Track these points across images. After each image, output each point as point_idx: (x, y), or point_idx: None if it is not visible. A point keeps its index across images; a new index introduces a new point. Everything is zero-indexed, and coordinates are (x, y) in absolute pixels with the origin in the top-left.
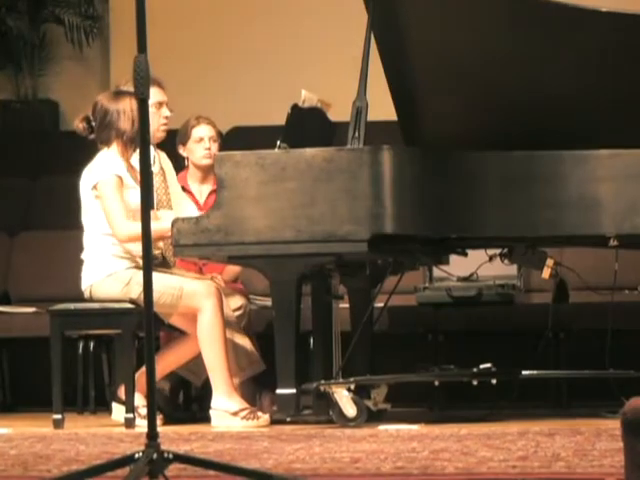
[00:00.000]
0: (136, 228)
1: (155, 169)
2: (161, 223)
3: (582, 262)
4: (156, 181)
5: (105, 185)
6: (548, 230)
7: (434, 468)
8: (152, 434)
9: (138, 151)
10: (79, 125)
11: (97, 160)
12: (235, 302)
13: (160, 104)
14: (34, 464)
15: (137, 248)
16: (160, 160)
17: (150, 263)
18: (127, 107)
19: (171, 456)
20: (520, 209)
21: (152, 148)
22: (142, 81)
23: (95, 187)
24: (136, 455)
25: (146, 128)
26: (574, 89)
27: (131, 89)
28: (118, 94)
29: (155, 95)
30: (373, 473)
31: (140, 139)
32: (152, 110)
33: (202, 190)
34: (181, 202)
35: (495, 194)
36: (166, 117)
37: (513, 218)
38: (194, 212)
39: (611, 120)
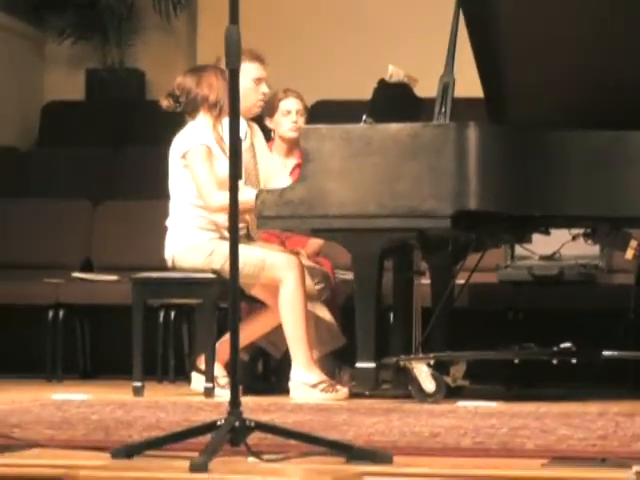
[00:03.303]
0: (227, 198)
1: (246, 144)
2: (245, 194)
3: None
4: (246, 156)
5: (194, 154)
6: (631, 210)
7: (513, 444)
8: (234, 402)
9: (227, 122)
10: (164, 102)
11: (187, 130)
12: (317, 275)
13: (259, 80)
14: (115, 429)
15: (223, 219)
16: (252, 135)
17: (236, 233)
18: (211, 77)
19: (253, 424)
20: (604, 189)
21: (244, 122)
22: (233, 52)
23: (184, 156)
24: (218, 422)
25: (237, 99)
26: None
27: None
28: (200, 68)
29: (256, 70)
30: (453, 447)
31: (230, 110)
32: (250, 85)
33: (287, 163)
34: (273, 175)
35: (579, 173)
36: (264, 93)
37: (596, 198)
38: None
39: None
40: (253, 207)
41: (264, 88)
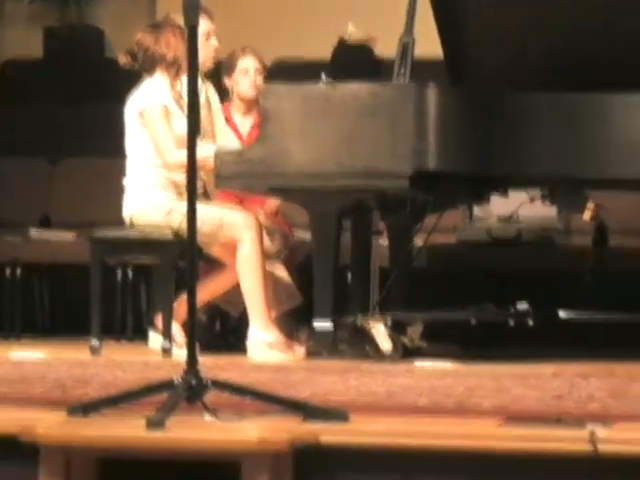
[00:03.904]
0: (185, 155)
1: (201, 100)
2: (204, 150)
3: (623, 205)
4: (202, 112)
5: (151, 113)
6: (591, 172)
7: (469, 404)
8: (191, 360)
9: (185, 79)
10: (122, 59)
11: (143, 87)
12: (275, 235)
13: (209, 34)
14: (72, 388)
15: (181, 177)
16: (207, 91)
17: (194, 191)
18: (169, 35)
19: (210, 382)
20: (564, 150)
21: (200, 78)
22: (192, 8)
23: (141, 114)
24: (175, 380)
25: (195, 56)
26: (628, 34)
27: (181, 20)
28: (158, 25)
29: (203, 25)
30: (409, 407)
31: (189, 67)
32: (201, 40)
33: (245, 122)
34: (223, 133)
35: (539, 134)
36: (214, 47)
37: (556, 159)
38: (236, 144)
39: None
40: (209, 163)
41: (214, 42)
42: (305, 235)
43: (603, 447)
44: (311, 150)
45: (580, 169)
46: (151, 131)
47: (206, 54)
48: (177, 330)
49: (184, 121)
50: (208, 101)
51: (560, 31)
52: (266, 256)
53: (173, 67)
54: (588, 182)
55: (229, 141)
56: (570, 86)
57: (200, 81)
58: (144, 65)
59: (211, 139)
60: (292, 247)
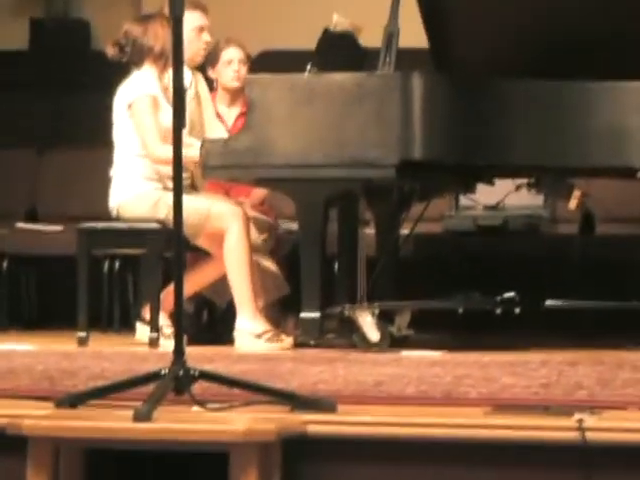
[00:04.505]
0: (170, 151)
1: (190, 93)
2: (191, 150)
3: (609, 194)
4: (191, 105)
5: (139, 105)
6: (575, 160)
7: (457, 393)
8: (179, 351)
9: (171, 71)
10: (110, 50)
11: (132, 79)
12: (262, 225)
13: (201, 29)
14: (60, 379)
15: (167, 169)
16: (197, 84)
17: (180, 184)
18: (157, 26)
19: (197, 373)
20: (548, 138)
21: (189, 71)
22: (177, 0)
23: (130, 106)
24: (162, 371)
25: (180, 48)
26: (609, 20)
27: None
28: (147, 17)
29: (197, 19)
30: (396, 396)
31: (173, 59)
32: (192, 34)
33: (230, 113)
34: (213, 126)
35: (524, 122)
36: (206, 42)
37: (541, 147)
38: (223, 136)
39: None
40: (197, 161)
41: (206, 37)
42: (292, 225)
43: (591, 435)
44: (297, 140)
45: (564, 157)
46: (138, 124)
47: (197, 48)
48: (164, 321)
49: (171, 112)
50: (197, 94)
51: (543, 18)
52: (253, 246)
53: (161, 59)
54: (572, 170)
55: (217, 133)
56: (553, 74)
57: (190, 73)
58: (132, 57)
59: (199, 132)
60: (278, 237)
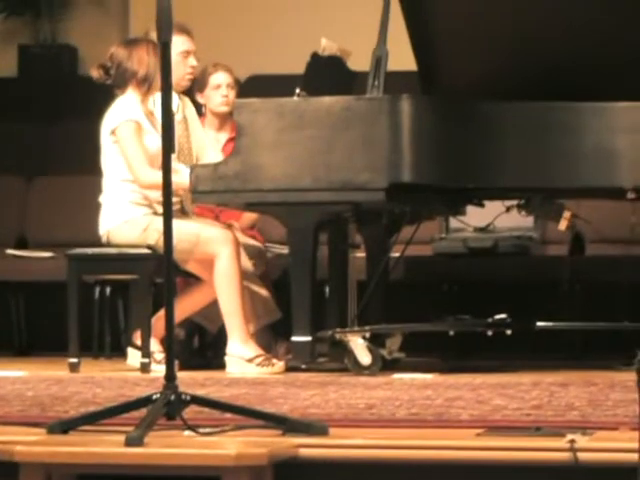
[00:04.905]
0: (158, 176)
1: (178, 117)
2: (179, 176)
3: (599, 214)
4: (178, 129)
5: (123, 130)
6: (565, 181)
7: (449, 415)
8: (170, 376)
9: (158, 96)
10: (95, 72)
11: (115, 105)
12: (252, 250)
13: (187, 53)
14: (51, 405)
15: (156, 194)
16: (184, 108)
17: (170, 209)
18: (142, 51)
19: (189, 398)
20: (537, 160)
21: (175, 95)
22: (164, 25)
23: (113, 132)
24: (154, 396)
25: (167, 72)
26: (594, 41)
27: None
28: (134, 41)
29: (183, 44)
30: (388, 419)
31: (162, 83)
32: (178, 59)
33: (219, 137)
34: (203, 145)
35: (512, 144)
36: (192, 66)
37: (530, 169)
38: (218, 159)
39: (631, 73)
40: (184, 187)
41: (192, 61)
42: (282, 249)
43: (583, 456)
44: (286, 164)
45: (553, 179)
46: (123, 149)
47: (183, 72)
48: (156, 347)
49: (156, 137)
50: (185, 118)
51: (531, 41)
52: (243, 271)
53: (144, 84)
54: (561, 191)
55: (212, 152)
56: (539, 95)
57: (177, 97)
58: (116, 80)
59: (187, 157)
60: (268, 261)
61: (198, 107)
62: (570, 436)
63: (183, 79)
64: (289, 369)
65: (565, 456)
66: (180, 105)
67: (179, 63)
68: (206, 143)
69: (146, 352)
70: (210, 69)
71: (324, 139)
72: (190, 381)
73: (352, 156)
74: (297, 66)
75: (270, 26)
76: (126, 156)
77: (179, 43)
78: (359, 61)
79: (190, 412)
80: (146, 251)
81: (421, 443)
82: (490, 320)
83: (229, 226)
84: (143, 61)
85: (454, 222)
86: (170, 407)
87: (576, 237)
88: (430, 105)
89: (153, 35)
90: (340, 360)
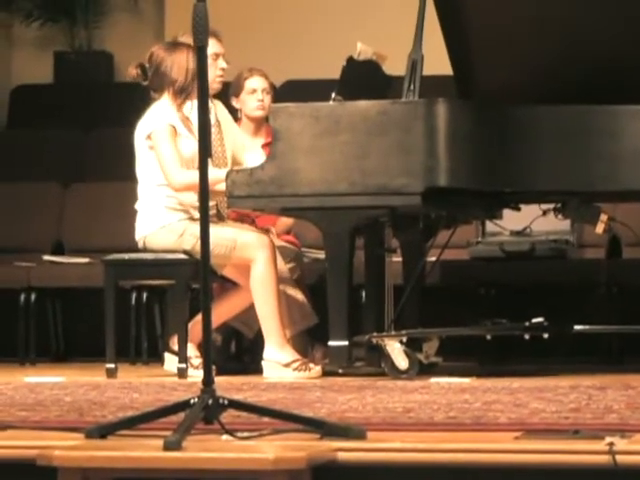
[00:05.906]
0: (190, 176)
1: (211, 121)
2: (214, 173)
3: (635, 217)
4: (212, 132)
5: (159, 134)
6: (602, 185)
7: (487, 418)
8: (207, 380)
9: (194, 101)
10: (132, 71)
11: (151, 111)
12: (288, 254)
13: (217, 55)
14: (89, 410)
15: (191, 199)
16: (216, 111)
17: (207, 213)
18: (182, 58)
19: (226, 402)
20: (574, 163)
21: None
22: (201, 29)
23: (149, 137)
24: (192, 400)
25: (204, 77)
26: (630, 44)
27: (189, 41)
28: (174, 45)
29: (212, 46)
30: (426, 422)
31: (199, 87)
32: (209, 62)
33: (255, 142)
34: (244, 149)
35: (548, 148)
36: (222, 69)
37: (566, 172)
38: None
39: None
40: (219, 189)
41: (222, 63)
42: (318, 254)
43: (622, 458)
44: (322, 169)
45: (590, 182)
46: (157, 152)
47: (213, 75)
48: (192, 352)
49: (192, 141)
50: (218, 121)
51: (569, 44)
52: (279, 276)
53: (181, 95)
54: (598, 195)
55: (252, 152)
56: (578, 99)
57: (209, 101)
58: (152, 83)
59: (221, 159)
60: (304, 266)
61: (234, 112)
62: (609, 439)
63: (214, 82)
64: (326, 374)
65: (604, 459)
66: (212, 108)
67: (210, 66)
68: (244, 144)
69: (183, 357)
70: (246, 74)
71: (360, 144)
72: (227, 386)
73: (388, 160)
74: (332, 71)
75: (305, 31)
76: (160, 159)
77: (209, 46)
78: (395, 65)
79: (228, 416)
80: (182, 256)
81: (459, 446)
82: (527, 324)
83: (266, 231)
84: (182, 68)
85: (490, 226)
86: (208, 411)
87: (613, 240)
88: (466, 109)
89: (182, 40)
90: (377, 364)
